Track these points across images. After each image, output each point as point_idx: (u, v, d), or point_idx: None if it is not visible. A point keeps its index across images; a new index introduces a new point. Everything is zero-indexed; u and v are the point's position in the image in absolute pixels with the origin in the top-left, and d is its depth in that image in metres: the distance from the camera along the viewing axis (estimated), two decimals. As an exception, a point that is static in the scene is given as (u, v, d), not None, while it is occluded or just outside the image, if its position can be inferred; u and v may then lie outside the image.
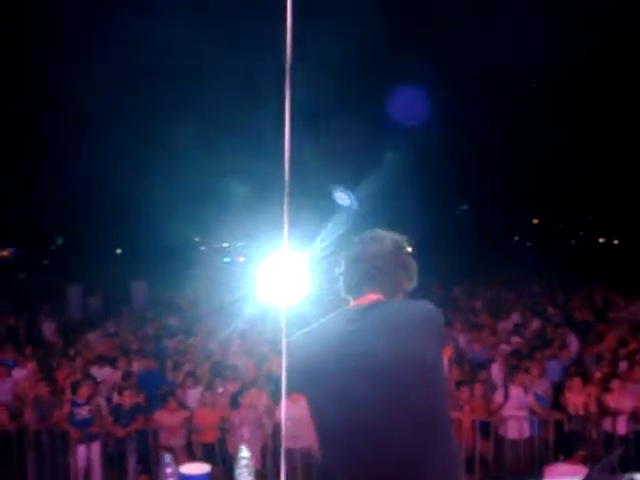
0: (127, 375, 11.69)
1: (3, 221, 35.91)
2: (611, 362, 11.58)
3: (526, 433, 9.88)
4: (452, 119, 31.90)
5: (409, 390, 2.63)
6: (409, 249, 3.02)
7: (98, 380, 11.15)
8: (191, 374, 11.61)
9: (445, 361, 2.82)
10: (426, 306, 2.81)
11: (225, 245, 45.06)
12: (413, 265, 2.98)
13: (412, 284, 2.99)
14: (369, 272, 2.90)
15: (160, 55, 26.79)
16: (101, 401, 10.50)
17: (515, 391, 9.99)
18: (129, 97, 28.14)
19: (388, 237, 2.98)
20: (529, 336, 14.26)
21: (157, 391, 11.19)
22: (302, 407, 9.53)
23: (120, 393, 10.32)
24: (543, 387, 10.54)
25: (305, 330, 2.91)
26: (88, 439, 9.73)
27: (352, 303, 2.94)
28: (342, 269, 3.01)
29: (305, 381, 2.84)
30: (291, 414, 9.39)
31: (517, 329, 14.70)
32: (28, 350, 13.66)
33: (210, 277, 23.10)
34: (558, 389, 10.61)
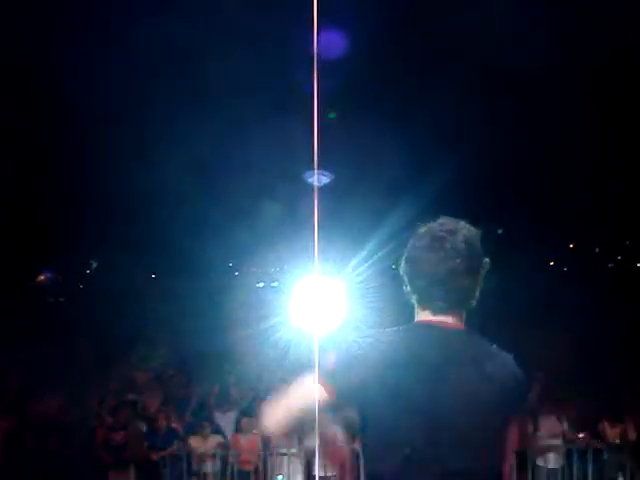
0: (166, 400, 11.75)
1: (39, 246, 36.31)
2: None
3: (561, 462, 9.70)
4: (485, 141, 31.85)
5: (476, 444, 2.36)
6: (480, 243, 2.51)
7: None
8: (225, 399, 11.61)
9: (515, 433, 2.49)
10: (514, 367, 2.48)
11: (259, 269, 45.17)
12: (487, 264, 2.51)
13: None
14: (444, 287, 2.43)
15: (187, 74, 27.06)
16: (137, 426, 10.52)
17: (547, 419, 9.80)
18: (165, 125, 28.41)
19: (462, 234, 2.46)
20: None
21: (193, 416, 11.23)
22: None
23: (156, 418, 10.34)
24: (579, 415, 10.36)
25: (371, 339, 2.45)
26: (122, 464, 9.73)
27: (425, 317, 2.50)
28: (407, 269, 2.52)
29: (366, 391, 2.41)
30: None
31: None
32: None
33: (244, 302, 23.12)
34: (597, 417, 10.44)
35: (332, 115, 31.57)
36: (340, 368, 2.48)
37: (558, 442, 9.68)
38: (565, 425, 9.76)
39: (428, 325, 2.50)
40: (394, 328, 2.53)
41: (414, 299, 2.54)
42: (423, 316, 2.53)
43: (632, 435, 9.67)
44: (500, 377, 2.42)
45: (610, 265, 51.76)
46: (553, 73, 31.17)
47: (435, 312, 2.49)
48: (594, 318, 20.33)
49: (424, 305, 2.52)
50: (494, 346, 2.57)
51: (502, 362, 2.48)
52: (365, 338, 2.47)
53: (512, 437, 2.48)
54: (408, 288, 2.54)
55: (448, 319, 2.49)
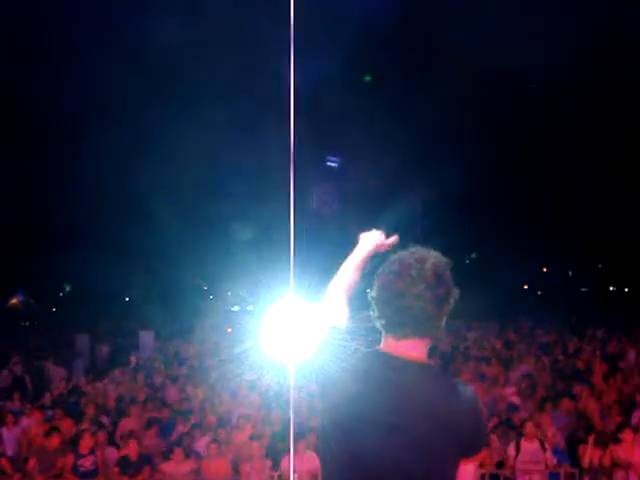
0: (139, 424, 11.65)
1: (12, 269, 36.01)
2: (623, 413, 11.41)
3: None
4: (460, 168, 32.01)
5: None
6: (449, 272, 2.56)
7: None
8: (198, 425, 11.52)
9: (470, 468, 2.50)
10: (471, 404, 2.49)
11: (233, 293, 45.06)
12: (455, 294, 2.54)
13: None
14: (409, 312, 2.46)
15: (162, 100, 26.99)
16: (107, 452, 10.39)
17: (528, 445, 9.74)
18: (140, 149, 28.32)
19: (430, 262, 2.50)
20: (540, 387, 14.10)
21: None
22: (308, 459, 9.42)
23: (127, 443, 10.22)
24: (556, 439, 10.35)
25: (344, 364, 2.55)
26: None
27: (390, 342, 2.53)
28: (375, 294, 2.56)
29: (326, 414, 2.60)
30: (298, 466, 9.29)
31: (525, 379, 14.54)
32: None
33: (219, 326, 23.02)
34: (571, 440, 10.43)
35: (368, 78, 31.65)
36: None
37: (538, 467, 9.62)
38: (548, 451, 9.70)
39: (390, 356, 2.53)
40: (359, 354, 2.59)
41: (380, 324, 2.57)
42: (387, 342, 2.56)
43: (607, 461, 9.65)
44: (454, 417, 2.43)
45: (583, 289, 52.25)
46: (526, 107, 31.68)
47: (399, 338, 2.52)
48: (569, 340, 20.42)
49: (389, 331, 2.55)
50: (454, 379, 2.61)
51: (459, 399, 2.48)
52: (335, 363, 2.57)
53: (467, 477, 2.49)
54: (375, 313, 2.57)
55: (411, 348, 2.52)
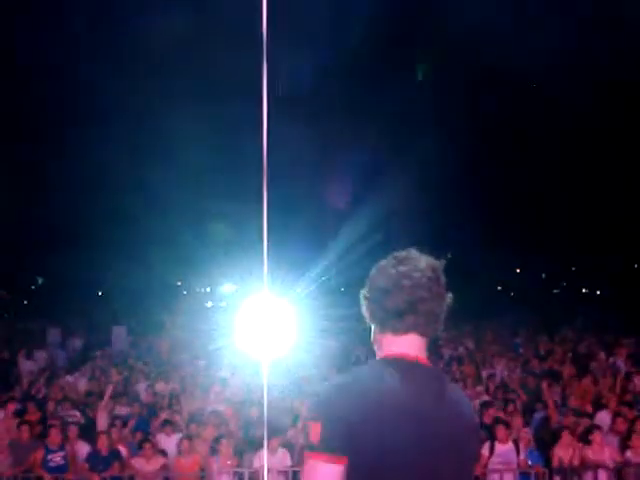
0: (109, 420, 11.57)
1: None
2: (592, 414, 11.49)
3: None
4: (436, 168, 32.11)
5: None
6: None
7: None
8: (169, 421, 11.44)
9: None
10: (473, 415, 2.43)
11: (207, 289, 44.98)
12: (449, 297, 2.46)
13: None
14: (409, 302, 2.34)
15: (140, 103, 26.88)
16: (78, 446, 10.31)
17: (501, 446, 9.75)
18: (114, 144, 28.21)
19: (434, 265, 2.42)
20: (512, 387, 14.18)
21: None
22: (279, 457, 9.39)
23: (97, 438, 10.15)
24: (529, 440, 10.39)
25: (341, 382, 2.32)
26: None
27: (398, 348, 2.37)
28: (370, 293, 2.41)
29: (348, 443, 2.19)
30: (269, 463, 9.28)
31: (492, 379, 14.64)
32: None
33: (192, 322, 22.95)
34: (543, 441, 10.50)
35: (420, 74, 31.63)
36: (324, 411, 2.26)
37: (511, 467, 9.64)
38: (522, 453, 9.73)
39: (410, 364, 2.37)
40: (372, 366, 2.41)
41: (387, 326, 2.41)
42: (395, 347, 2.40)
43: (577, 461, 9.71)
44: (473, 424, 2.40)
45: (555, 291, 52.59)
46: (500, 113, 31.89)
47: (409, 342, 2.39)
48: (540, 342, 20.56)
49: (395, 333, 2.40)
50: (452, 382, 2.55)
51: (470, 405, 2.45)
52: (346, 378, 2.36)
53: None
54: (376, 315, 2.42)
55: (420, 351, 2.41)
